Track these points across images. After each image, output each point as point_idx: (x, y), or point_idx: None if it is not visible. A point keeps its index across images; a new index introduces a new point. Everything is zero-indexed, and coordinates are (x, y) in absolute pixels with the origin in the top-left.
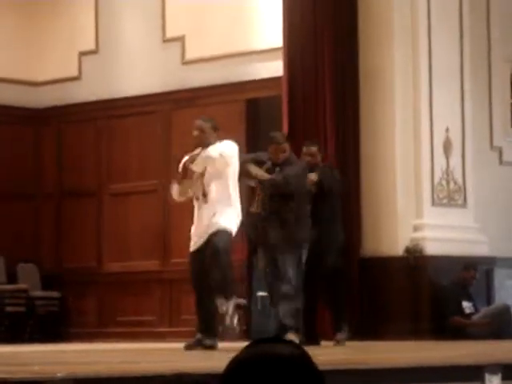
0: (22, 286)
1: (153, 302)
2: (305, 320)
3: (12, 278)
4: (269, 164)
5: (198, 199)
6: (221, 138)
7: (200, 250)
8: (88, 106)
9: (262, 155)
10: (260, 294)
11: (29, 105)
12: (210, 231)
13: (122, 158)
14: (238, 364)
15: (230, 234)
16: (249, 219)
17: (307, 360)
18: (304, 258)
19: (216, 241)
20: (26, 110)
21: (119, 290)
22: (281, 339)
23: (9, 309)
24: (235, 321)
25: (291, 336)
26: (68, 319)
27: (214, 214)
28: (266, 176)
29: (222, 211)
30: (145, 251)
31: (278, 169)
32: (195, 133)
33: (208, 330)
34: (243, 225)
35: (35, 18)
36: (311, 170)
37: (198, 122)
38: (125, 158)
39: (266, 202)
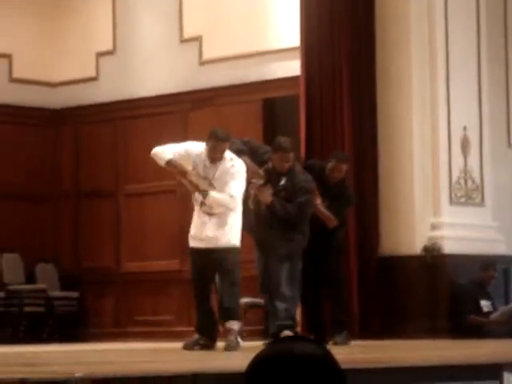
0: (40, 286)
1: (171, 301)
2: (311, 320)
3: (31, 278)
4: (269, 166)
5: (201, 205)
6: (238, 137)
7: (206, 252)
8: (105, 107)
9: (260, 147)
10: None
11: (47, 105)
12: (221, 245)
13: (140, 159)
14: (260, 362)
15: (239, 249)
16: (246, 214)
17: (330, 359)
18: (300, 263)
19: (229, 263)
20: (44, 110)
21: (137, 290)
22: (302, 337)
23: (28, 309)
24: (239, 339)
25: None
26: (86, 319)
27: (222, 224)
28: (276, 203)
29: (228, 220)
30: (162, 251)
31: (283, 180)
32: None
33: (207, 331)
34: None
35: (53, 20)
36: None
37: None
38: (142, 158)
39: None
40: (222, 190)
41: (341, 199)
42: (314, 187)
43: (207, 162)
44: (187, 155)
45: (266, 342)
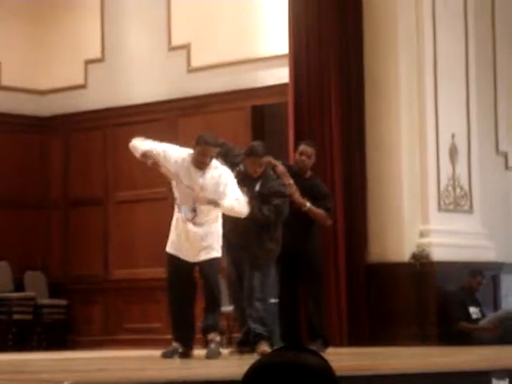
0: (29, 293)
1: (159, 309)
2: (287, 325)
3: (19, 286)
4: (241, 168)
5: (193, 217)
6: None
7: (189, 263)
8: (94, 114)
9: (232, 150)
10: (273, 301)
11: (35, 113)
12: (205, 256)
13: (129, 166)
14: (261, 370)
15: (221, 261)
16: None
17: (330, 372)
18: (272, 271)
19: (213, 276)
20: (33, 118)
21: (126, 298)
22: (304, 348)
23: (16, 316)
24: (220, 348)
25: (265, 345)
26: (75, 327)
27: (207, 235)
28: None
29: (213, 230)
30: (151, 258)
31: (257, 186)
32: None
33: (184, 339)
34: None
35: (41, 27)
36: (299, 177)
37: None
38: (131, 165)
39: None
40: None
41: (318, 196)
42: (288, 192)
43: (192, 169)
44: (164, 156)
45: (232, 349)
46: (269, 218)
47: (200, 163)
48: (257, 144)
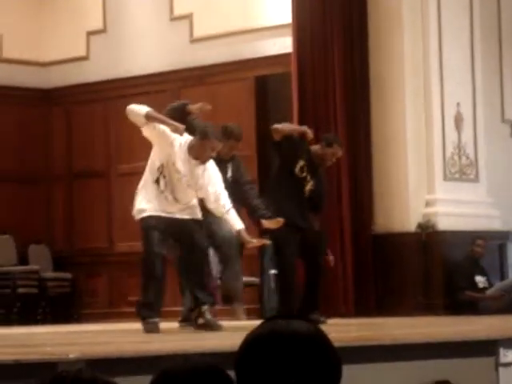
0: (33, 267)
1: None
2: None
3: (23, 259)
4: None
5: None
6: (231, 117)
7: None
8: (97, 86)
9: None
10: (272, 272)
11: (37, 85)
12: (193, 217)
13: (132, 138)
14: (254, 341)
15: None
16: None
17: (323, 337)
18: None
19: (202, 241)
20: (35, 90)
21: (130, 270)
22: (295, 316)
23: (21, 290)
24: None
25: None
26: (79, 300)
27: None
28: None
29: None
30: None
31: (229, 170)
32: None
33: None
34: None
35: None
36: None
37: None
38: (134, 137)
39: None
40: (199, 189)
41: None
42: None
43: (191, 160)
44: (163, 131)
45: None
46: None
47: (204, 157)
48: (236, 127)
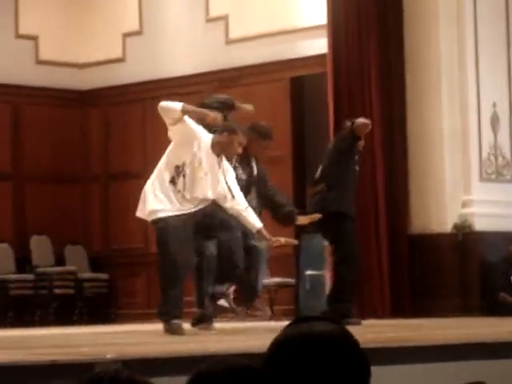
0: (70, 268)
1: None
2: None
3: (60, 260)
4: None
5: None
6: (266, 118)
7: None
8: (133, 88)
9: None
10: (309, 272)
11: (74, 87)
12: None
13: (167, 139)
14: (280, 344)
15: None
16: None
17: (349, 338)
18: None
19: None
20: (72, 92)
21: None
22: (321, 317)
23: (57, 291)
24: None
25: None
26: (116, 300)
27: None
28: None
29: None
30: None
31: (254, 168)
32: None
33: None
34: None
35: (79, 1)
36: None
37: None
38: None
39: None
40: (218, 185)
41: None
42: None
43: (214, 157)
44: (192, 129)
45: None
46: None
47: (232, 152)
48: (269, 127)
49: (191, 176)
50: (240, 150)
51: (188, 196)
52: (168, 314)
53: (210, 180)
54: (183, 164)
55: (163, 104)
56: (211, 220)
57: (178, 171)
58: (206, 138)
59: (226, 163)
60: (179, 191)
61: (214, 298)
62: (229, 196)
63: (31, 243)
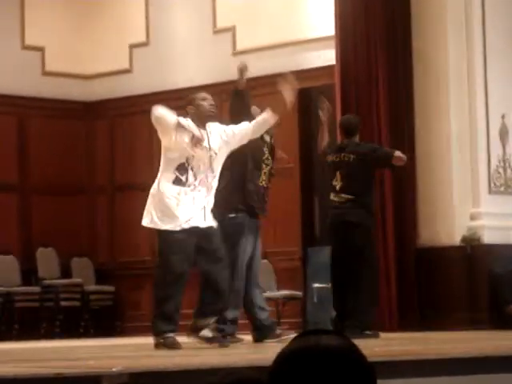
0: (76, 280)
1: None
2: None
3: (66, 272)
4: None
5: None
6: (274, 129)
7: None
8: (140, 99)
9: None
10: (316, 285)
11: (80, 98)
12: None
13: None
14: (286, 357)
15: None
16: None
17: (355, 351)
18: None
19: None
20: (78, 103)
21: None
22: (328, 330)
23: (63, 303)
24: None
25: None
26: (122, 313)
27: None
28: None
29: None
30: None
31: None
32: None
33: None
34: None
35: (86, 12)
36: None
37: None
38: None
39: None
40: (230, 140)
41: None
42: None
43: (203, 131)
44: (181, 133)
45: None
46: None
47: (206, 111)
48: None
49: (200, 164)
50: (208, 103)
51: (203, 190)
52: (163, 327)
53: (219, 150)
54: (187, 159)
55: (158, 112)
56: (208, 245)
57: (184, 168)
58: (189, 123)
59: (214, 125)
60: (191, 189)
61: (197, 329)
62: (239, 129)
63: (37, 255)
